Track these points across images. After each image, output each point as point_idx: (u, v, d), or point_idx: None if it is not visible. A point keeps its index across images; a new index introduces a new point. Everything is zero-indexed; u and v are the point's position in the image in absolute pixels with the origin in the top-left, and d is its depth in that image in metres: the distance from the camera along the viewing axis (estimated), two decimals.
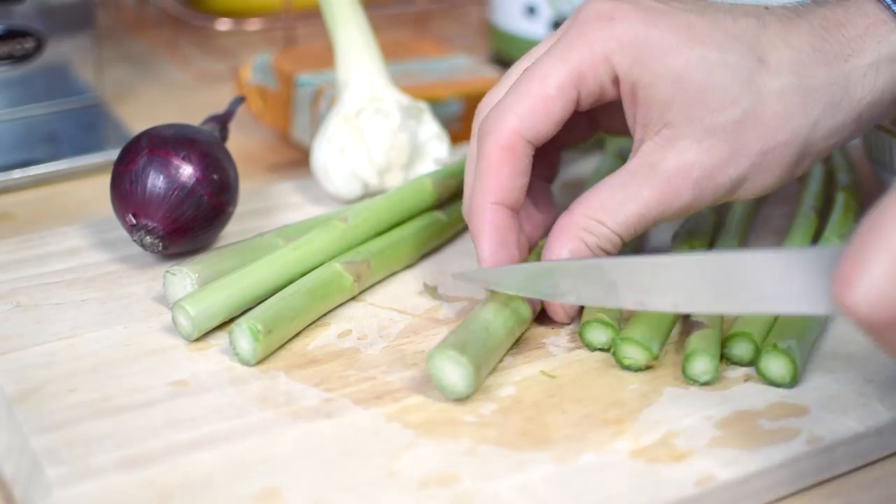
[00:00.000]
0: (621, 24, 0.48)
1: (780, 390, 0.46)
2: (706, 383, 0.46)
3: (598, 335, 0.48)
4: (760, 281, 0.41)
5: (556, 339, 0.50)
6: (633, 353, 0.47)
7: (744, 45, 0.48)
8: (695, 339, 0.47)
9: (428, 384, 0.46)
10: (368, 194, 0.61)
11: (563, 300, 0.47)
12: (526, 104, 0.48)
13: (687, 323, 0.49)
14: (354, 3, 0.59)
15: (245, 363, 0.47)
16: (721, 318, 0.49)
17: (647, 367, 0.47)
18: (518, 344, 0.49)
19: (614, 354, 0.48)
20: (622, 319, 0.49)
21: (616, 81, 0.48)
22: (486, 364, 0.46)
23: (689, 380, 0.47)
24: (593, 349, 0.49)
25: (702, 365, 0.46)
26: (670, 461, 0.42)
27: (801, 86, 0.48)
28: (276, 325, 0.47)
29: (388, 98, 0.61)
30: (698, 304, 0.43)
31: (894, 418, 0.45)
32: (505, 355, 0.48)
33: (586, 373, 0.47)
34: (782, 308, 0.41)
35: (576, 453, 0.43)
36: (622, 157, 0.61)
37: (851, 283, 0.36)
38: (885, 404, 0.45)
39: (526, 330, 0.50)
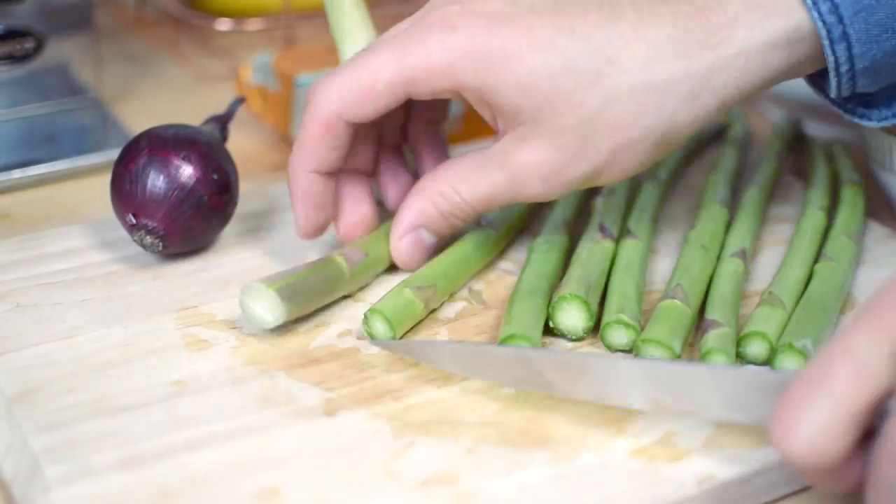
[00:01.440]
0: (462, 34, 0.47)
1: None
2: None
3: (619, 336, 0.48)
4: (694, 392, 0.42)
5: (557, 340, 0.50)
6: (656, 354, 0.47)
7: (591, 46, 0.47)
8: (711, 339, 0.47)
9: (428, 384, 0.46)
10: None
11: (490, 380, 0.47)
12: (352, 89, 0.49)
13: (702, 322, 0.49)
14: (364, 18, 0.59)
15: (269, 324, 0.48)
16: (736, 317, 0.49)
17: None
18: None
19: (636, 356, 0.47)
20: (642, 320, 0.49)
21: (455, 89, 0.48)
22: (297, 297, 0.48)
23: None
24: (614, 350, 0.49)
25: None
26: (670, 461, 0.42)
27: (654, 83, 0.47)
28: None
29: None
30: (629, 400, 0.44)
31: None
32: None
33: None
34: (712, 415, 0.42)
35: (576, 453, 0.43)
36: None
37: (790, 432, 0.37)
38: None
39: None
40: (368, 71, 0.49)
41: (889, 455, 0.36)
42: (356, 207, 0.54)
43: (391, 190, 0.56)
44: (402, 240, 0.52)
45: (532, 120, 0.48)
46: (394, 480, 0.41)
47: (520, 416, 0.45)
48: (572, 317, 0.49)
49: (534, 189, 0.49)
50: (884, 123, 0.50)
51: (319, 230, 0.53)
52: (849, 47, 0.47)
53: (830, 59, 0.48)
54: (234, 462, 0.42)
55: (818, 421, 0.36)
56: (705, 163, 0.65)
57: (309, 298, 0.50)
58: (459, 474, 0.42)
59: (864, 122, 0.51)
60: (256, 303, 0.48)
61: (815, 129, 0.69)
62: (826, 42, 0.47)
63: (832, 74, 0.48)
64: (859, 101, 0.51)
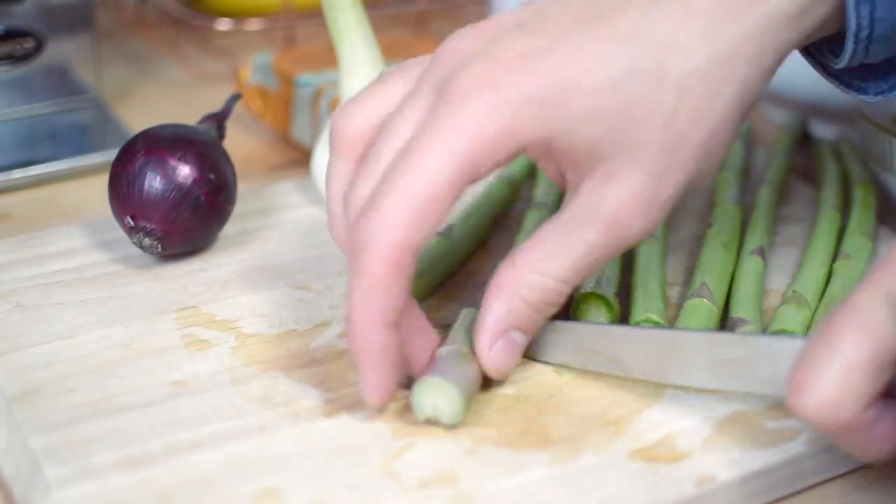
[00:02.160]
0: (508, 88, 0.41)
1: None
2: None
3: None
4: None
5: None
6: None
7: (645, 41, 0.42)
8: None
9: None
10: None
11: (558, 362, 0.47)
12: (411, 211, 0.41)
13: (727, 320, 0.49)
14: (361, 16, 0.59)
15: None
16: (761, 315, 0.49)
17: None
18: None
19: None
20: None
21: (520, 150, 0.42)
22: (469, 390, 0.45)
23: None
24: None
25: None
26: (670, 462, 0.42)
27: (718, 55, 0.43)
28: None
29: None
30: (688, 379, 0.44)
31: None
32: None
33: (586, 373, 0.47)
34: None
35: (575, 453, 0.43)
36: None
37: (804, 390, 0.38)
38: None
39: None
40: (422, 181, 0.41)
41: None
42: (425, 342, 0.46)
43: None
44: (493, 348, 0.44)
45: (613, 148, 0.42)
46: (394, 481, 0.41)
47: (520, 417, 0.45)
48: (596, 315, 0.49)
49: (635, 228, 0.43)
50: (879, 98, 0.49)
51: (395, 390, 0.44)
52: (872, 10, 0.45)
53: (852, 22, 0.45)
54: (234, 462, 0.42)
55: (829, 377, 0.37)
56: None
57: (472, 392, 0.45)
58: (459, 475, 0.42)
59: (860, 96, 0.49)
60: (439, 399, 0.43)
61: (814, 129, 0.69)
62: (851, 3, 0.45)
63: (850, 40, 0.46)
64: (858, 74, 0.49)
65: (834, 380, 0.38)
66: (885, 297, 0.38)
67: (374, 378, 0.43)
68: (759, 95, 0.45)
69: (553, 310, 0.45)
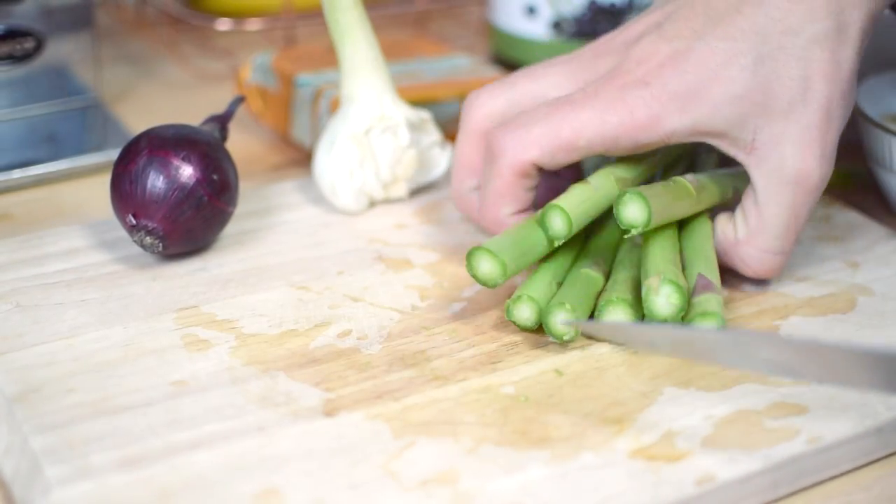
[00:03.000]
0: (656, 86, 0.50)
1: (781, 389, 0.46)
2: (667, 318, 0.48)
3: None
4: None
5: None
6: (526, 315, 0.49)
7: (760, 32, 0.49)
8: (712, 303, 0.48)
9: (428, 384, 0.46)
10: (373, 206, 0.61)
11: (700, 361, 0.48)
12: (552, 143, 0.51)
13: (697, 278, 0.50)
14: (362, 17, 0.59)
15: (643, 225, 0.49)
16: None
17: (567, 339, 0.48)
18: (517, 344, 0.49)
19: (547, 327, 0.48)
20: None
21: (662, 138, 0.51)
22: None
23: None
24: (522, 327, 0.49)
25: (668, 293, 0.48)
26: (670, 461, 0.42)
27: (823, 29, 0.49)
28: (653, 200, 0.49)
29: (396, 115, 0.60)
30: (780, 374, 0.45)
31: (894, 418, 0.45)
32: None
33: (586, 372, 0.47)
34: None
35: (575, 453, 0.43)
36: None
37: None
38: (884, 404, 0.45)
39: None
40: (571, 127, 0.51)
41: None
42: None
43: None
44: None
45: (762, 118, 0.50)
46: (394, 481, 0.41)
47: (520, 416, 0.45)
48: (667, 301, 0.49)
49: (817, 177, 0.50)
50: None
51: None
52: None
53: None
54: (234, 462, 0.42)
55: None
56: None
57: (666, 208, 0.50)
58: (459, 474, 0.42)
59: None
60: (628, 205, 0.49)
61: None
62: None
63: None
64: None
65: None
66: None
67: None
68: (863, 48, 0.51)
69: (775, 274, 0.53)
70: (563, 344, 0.49)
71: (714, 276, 0.50)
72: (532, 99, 0.54)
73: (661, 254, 0.50)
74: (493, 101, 0.55)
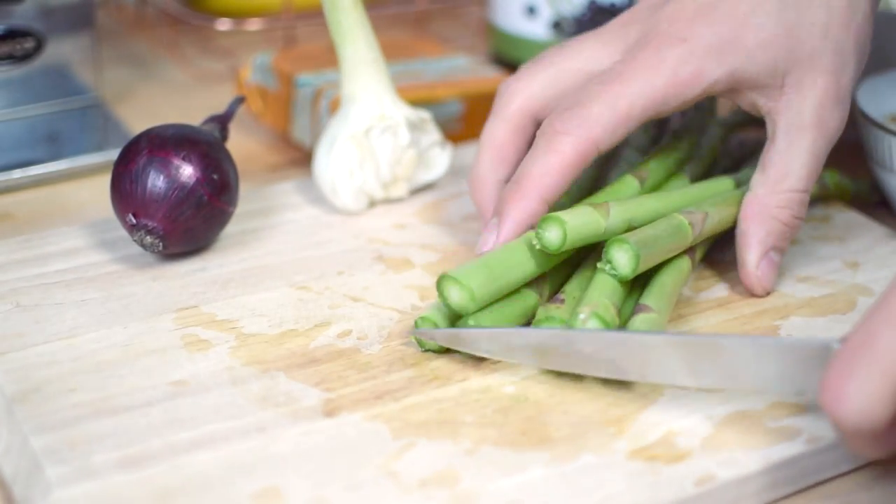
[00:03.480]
0: (693, 41, 0.51)
1: None
2: None
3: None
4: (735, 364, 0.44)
5: None
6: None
7: None
8: (638, 322, 0.47)
9: (428, 384, 0.46)
10: (373, 205, 0.61)
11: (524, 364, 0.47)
12: (611, 119, 0.51)
13: (636, 306, 0.49)
14: (362, 17, 0.59)
15: (624, 277, 0.48)
16: (669, 308, 0.49)
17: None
18: None
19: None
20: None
21: (705, 91, 0.51)
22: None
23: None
24: None
25: None
26: (670, 461, 0.42)
27: None
28: (644, 251, 0.48)
29: (396, 115, 0.60)
30: (667, 377, 0.45)
31: None
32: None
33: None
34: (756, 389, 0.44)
35: (576, 453, 0.43)
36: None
37: (840, 397, 0.38)
38: None
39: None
40: (625, 99, 0.51)
41: None
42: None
43: None
44: (759, 268, 0.52)
45: (789, 63, 0.51)
46: (393, 481, 0.41)
47: (520, 417, 0.45)
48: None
49: (836, 119, 0.52)
50: None
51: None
52: None
53: None
54: (234, 462, 0.42)
55: (867, 388, 0.38)
56: None
57: (655, 256, 0.50)
58: (459, 475, 0.42)
59: None
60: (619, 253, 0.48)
61: None
62: None
63: None
64: None
65: (870, 391, 0.38)
66: None
67: (507, 234, 0.50)
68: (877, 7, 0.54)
69: (799, 223, 0.53)
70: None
71: (661, 305, 0.49)
72: (572, 75, 0.54)
73: (603, 285, 0.48)
74: (532, 84, 0.55)
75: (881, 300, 0.39)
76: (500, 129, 0.55)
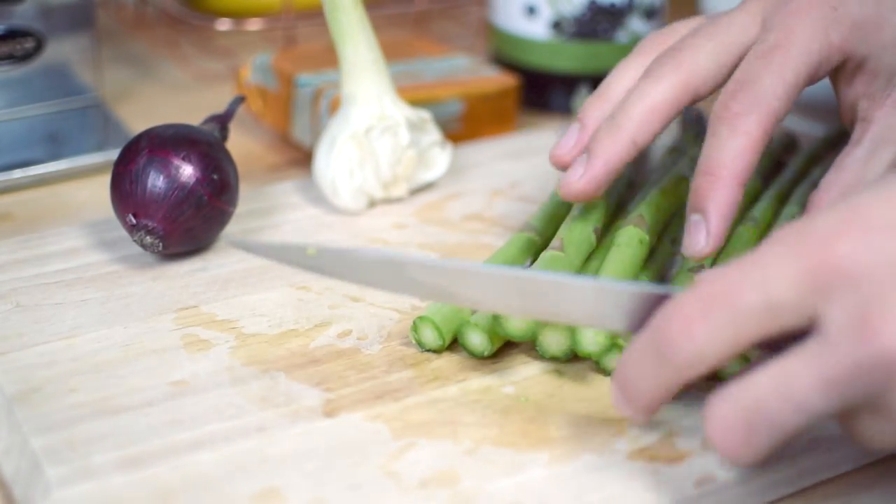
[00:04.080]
0: (842, 11, 0.50)
1: None
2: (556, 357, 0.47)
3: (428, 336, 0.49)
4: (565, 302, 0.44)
5: None
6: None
7: None
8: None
9: (428, 384, 0.46)
10: (372, 205, 0.61)
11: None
12: (783, 90, 0.49)
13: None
14: (362, 17, 0.59)
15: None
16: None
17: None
18: (517, 345, 0.49)
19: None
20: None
21: (844, 59, 0.51)
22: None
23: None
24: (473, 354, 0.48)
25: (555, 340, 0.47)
26: (670, 461, 0.42)
27: None
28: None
29: (396, 115, 0.60)
30: (500, 306, 0.45)
31: None
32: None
33: (586, 372, 0.47)
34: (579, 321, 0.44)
35: (576, 453, 0.43)
36: None
37: (690, 331, 0.38)
38: None
39: None
40: (792, 69, 0.49)
41: None
42: None
43: None
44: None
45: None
46: (393, 481, 0.41)
47: (520, 417, 0.45)
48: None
49: None
50: None
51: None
52: None
53: None
54: (234, 462, 0.42)
55: (718, 337, 0.38)
56: None
57: None
58: (459, 475, 0.42)
59: None
60: None
61: (809, 128, 0.69)
62: None
63: None
64: None
65: (722, 337, 0.38)
66: (806, 270, 0.37)
67: (717, 226, 0.48)
68: None
69: None
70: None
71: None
72: (733, 50, 0.52)
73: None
74: (697, 57, 0.52)
75: (756, 255, 0.38)
76: (660, 94, 0.51)
